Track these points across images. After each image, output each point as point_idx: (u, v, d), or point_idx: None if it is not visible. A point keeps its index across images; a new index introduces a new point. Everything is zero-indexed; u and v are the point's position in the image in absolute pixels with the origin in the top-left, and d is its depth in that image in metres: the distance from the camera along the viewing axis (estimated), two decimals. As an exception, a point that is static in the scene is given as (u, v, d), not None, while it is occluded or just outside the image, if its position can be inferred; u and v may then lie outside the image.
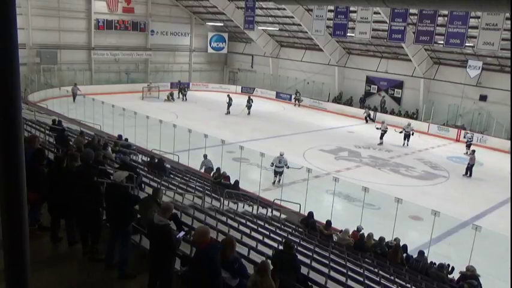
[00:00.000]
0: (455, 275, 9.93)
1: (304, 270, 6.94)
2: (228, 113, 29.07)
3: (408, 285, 8.60)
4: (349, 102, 33.56)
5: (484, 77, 26.59)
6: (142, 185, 10.09)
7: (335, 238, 11.55)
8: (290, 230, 11.17)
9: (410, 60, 28.61)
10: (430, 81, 29.53)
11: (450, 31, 19.62)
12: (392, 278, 8.79)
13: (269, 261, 5.52)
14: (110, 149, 12.72)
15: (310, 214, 12.10)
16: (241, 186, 14.29)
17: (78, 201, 6.07)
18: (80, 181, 6.10)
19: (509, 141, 24.57)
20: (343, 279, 7.44)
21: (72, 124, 18.21)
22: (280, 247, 8.23)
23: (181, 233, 5.55)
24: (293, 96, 35.28)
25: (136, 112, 19.54)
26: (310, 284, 6.56)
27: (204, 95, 36.31)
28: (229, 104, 29.19)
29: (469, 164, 19.98)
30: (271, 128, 25.44)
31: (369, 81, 33.14)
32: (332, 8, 23.87)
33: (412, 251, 11.10)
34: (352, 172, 18.90)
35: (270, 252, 7.83)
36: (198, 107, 31.46)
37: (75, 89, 28.72)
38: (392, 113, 31.15)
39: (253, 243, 8.07)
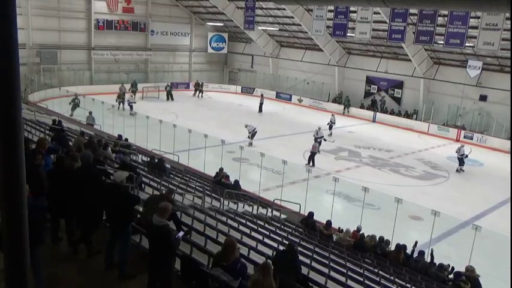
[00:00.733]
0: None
1: (304, 270, 6.94)
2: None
3: (408, 285, 8.60)
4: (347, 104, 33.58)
5: (484, 77, 26.59)
6: (142, 185, 10.09)
7: (335, 238, 11.55)
8: (290, 230, 11.17)
9: (410, 60, 28.61)
10: (430, 81, 29.53)
11: (450, 31, 19.62)
12: (392, 278, 8.79)
13: (270, 262, 5.52)
14: (109, 149, 12.71)
15: (310, 214, 12.09)
16: (241, 186, 14.29)
17: (79, 201, 6.07)
18: (80, 181, 6.10)
19: (509, 141, 24.57)
20: (343, 279, 7.44)
21: (72, 124, 18.22)
22: (281, 247, 8.24)
23: (181, 233, 5.55)
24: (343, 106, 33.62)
25: (136, 112, 19.55)
26: (310, 284, 6.56)
27: (203, 95, 36.28)
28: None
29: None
30: (271, 128, 25.44)
31: (369, 81, 33.14)
32: (332, 8, 23.87)
33: (412, 250, 11.09)
34: (352, 172, 18.90)
35: (270, 252, 7.83)
36: (198, 107, 31.47)
37: (123, 88, 28.69)
38: (392, 113, 31.17)
39: (253, 243, 8.07)
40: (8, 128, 1.87)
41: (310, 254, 8.60)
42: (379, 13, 23.96)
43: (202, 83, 36.15)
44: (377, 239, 11.18)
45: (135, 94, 30.85)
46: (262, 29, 36.50)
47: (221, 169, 14.87)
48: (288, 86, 37.49)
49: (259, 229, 9.84)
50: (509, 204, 11.81)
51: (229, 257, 4.81)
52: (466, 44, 20.46)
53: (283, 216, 13.10)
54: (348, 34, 24.34)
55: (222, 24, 39.28)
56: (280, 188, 14.68)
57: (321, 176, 17.16)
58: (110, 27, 34.20)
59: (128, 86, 30.37)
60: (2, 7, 1.77)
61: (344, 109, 32.91)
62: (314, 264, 7.84)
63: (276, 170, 17.02)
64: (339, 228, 12.05)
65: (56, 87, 29.07)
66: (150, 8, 36.35)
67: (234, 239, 5.77)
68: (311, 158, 19.35)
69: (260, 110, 31.12)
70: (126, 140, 15.70)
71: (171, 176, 13.47)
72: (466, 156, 20.34)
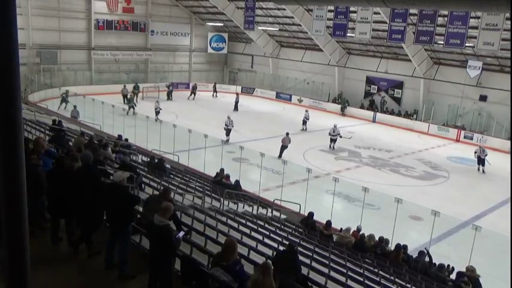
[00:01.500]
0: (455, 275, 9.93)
1: (304, 270, 6.94)
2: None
3: (408, 286, 8.60)
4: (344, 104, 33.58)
5: (484, 77, 26.59)
6: (142, 185, 10.09)
7: (335, 238, 11.54)
8: (290, 230, 11.17)
9: (410, 60, 28.62)
10: (430, 82, 29.53)
11: (450, 31, 19.62)
12: (392, 278, 8.79)
13: (270, 262, 5.52)
14: (109, 149, 12.71)
15: (310, 214, 12.09)
16: (241, 186, 14.28)
17: (79, 202, 6.07)
18: (80, 181, 6.10)
19: (509, 142, 24.57)
20: (343, 279, 7.44)
21: (72, 124, 18.21)
22: (281, 247, 8.24)
23: (181, 233, 5.55)
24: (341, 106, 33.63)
25: (137, 112, 19.56)
26: (310, 284, 6.56)
27: (204, 95, 36.30)
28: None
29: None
30: (271, 128, 25.44)
31: (369, 81, 33.14)
32: (332, 8, 23.87)
33: (412, 251, 11.09)
34: (352, 172, 18.90)
35: (270, 252, 7.83)
36: (198, 107, 31.47)
37: (125, 91, 28.73)
38: (392, 113, 31.18)
39: (253, 244, 8.07)
40: (8, 128, 1.87)
41: (310, 254, 8.59)
42: (379, 13, 23.97)
43: (195, 85, 35.91)
44: (376, 238, 11.18)
45: (137, 96, 30.81)
46: (262, 29, 36.51)
47: (222, 170, 14.85)
48: (288, 86, 37.50)
49: (259, 229, 9.83)
50: (509, 204, 11.81)
51: (229, 257, 4.80)
52: (466, 44, 20.47)
53: (283, 216, 13.10)
54: (348, 34, 24.34)
55: (222, 25, 39.29)
56: (280, 188, 14.67)
57: (321, 176, 17.15)
58: (110, 27, 34.21)
59: (129, 88, 30.31)
60: (2, 7, 1.77)
61: (342, 110, 32.93)
62: (314, 264, 7.84)
63: (276, 170, 17.03)
64: (341, 229, 12.05)
65: (56, 87, 29.09)
66: (150, 8, 36.36)
67: (234, 239, 5.78)
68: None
69: (236, 108, 30.93)
70: (126, 140, 15.69)
71: (171, 176, 13.47)
72: (486, 155, 20.80)
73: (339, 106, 33.32)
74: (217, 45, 40.97)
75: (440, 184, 18.76)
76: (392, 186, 17.01)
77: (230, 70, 42.75)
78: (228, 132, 22.23)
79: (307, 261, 7.82)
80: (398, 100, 31.75)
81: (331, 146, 22.67)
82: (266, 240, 8.80)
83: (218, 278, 4.74)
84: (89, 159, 6.62)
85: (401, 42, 23.06)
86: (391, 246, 10.94)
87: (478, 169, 20.85)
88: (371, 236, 11.17)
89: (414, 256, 10.61)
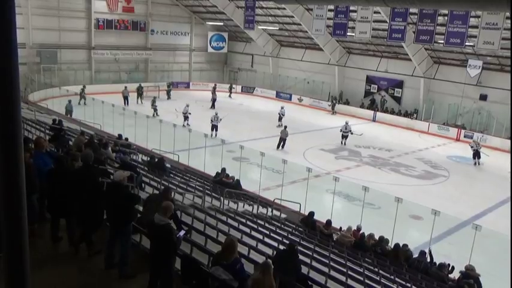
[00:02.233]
0: (456, 275, 9.93)
1: (304, 269, 6.95)
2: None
3: (408, 285, 8.60)
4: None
5: (484, 76, 26.58)
6: (143, 185, 10.09)
7: (335, 237, 11.55)
8: (290, 230, 11.17)
9: (410, 59, 28.60)
10: (430, 81, 29.52)
11: (450, 30, 19.61)
12: (392, 277, 8.79)
13: (270, 261, 5.52)
14: (110, 148, 12.71)
15: (311, 214, 12.08)
16: (241, 185, 14.28)
17: (79, 201, 6.07)
18: (81, 181, 6.10)
19: (509, 141, 24.56)
20: (343, 278, 7.44)
21: (72, 124, 18.21)
22: (281, 246, 8.24)
23: (182, 232, 5.55)
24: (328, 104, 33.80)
25: (137, 112, 19.56)
26: (310, 283, 6.56)
27: (204, 95, 36.25)
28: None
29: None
30: (271, 128, 25.44)
31: (369, 80, 33.13)
32: (332, 7, 23.86)
33: (412, 250, 11.09)
34: (353, 171, 18.89)
35: (270, 251, 7.83)
36: (199, 107, 31.43)
37: (126, 92, 28.77)
38: (392, 112, 31.17)
39: (253, 243, 8.07)
40: (8, 127, 1.87)
41: (311, 254, 8.60)
42: (379, 12, 23.95)
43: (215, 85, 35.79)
44: (376, 237, 11.18)
45: (141, 97, 30.70)
46: (262, 29, 36.49)
47: (223, 169, 14.85)
48: (288, 85, 37.49)
49: (260, 228, 9.84)
50: (510, 203, 11.81)
51: (229, 256, 4.81)
52: (466, 44, 20.47)
53: (283, 215, 13.10)
54: (348, 33, 24.34)
55: (222, 24, 39.28)
56: (280, 187, 14.67)
57: (321, 176, 17.15)
58: (110, 27, 34.21)
59: (130, 88, 30.21)
60: (0, 7, 1.76)
61: (332, 108, 32.84)
62: (314, 263, 7.84)
63: (276, 169, 17.01)
64: (340, 228, 12.05)
65: (56, 86, 29.08)
66: (150, 8, 36.35)
67: (234, 238, 5.78)
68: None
69: (213, 106, 30.80)
70: (126, 139, 15.70)
71: (171, 175, 13.47)
72: (481, 147, 21.46)
73: (343, 106, 33.22)
74: (217, 44, 40.95)
75: (441, 183, 18.75)
76: (393, 185, 17.00)
77: (230, 69, 42.73)
78: (213, 127, 22.51)
79: (308, 260, 7.83)
80: (398, 99, 31.74)
81: (343, 142, 23.34)
82: (266, 240, 8.80)
83: (218, 277, 4.74)
84: (89, 158, 6.62)
85: (401, 41, 23.06)
86: (391, 245, 10.95)
87: (475, 163, 21.28)
88: (371, 235, 11.18)
89: (414, 255, 10.62)
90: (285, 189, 14.37)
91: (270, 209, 13.11)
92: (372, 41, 29.81)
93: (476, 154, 21.36)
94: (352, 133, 23.29)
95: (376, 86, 32.84)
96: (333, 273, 7.55)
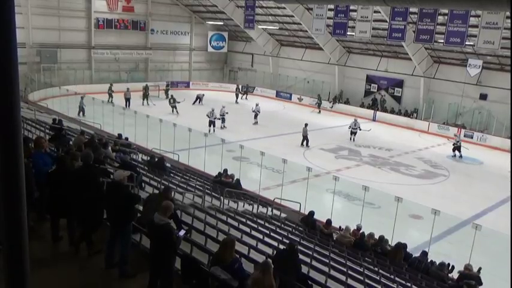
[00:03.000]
0: (456, 274, 9.93)
1: (304, 269, 6.95)
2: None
3: (408, 284, 8.60)
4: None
5: (484, 75, 26.58)
6: (143, 184, 10.09)
7: (335, 237, 11.55)
8: (290, 229, 11.17)
9: (410, 59, 28.60)
10: (430, 80, 29.52)
11: (450, 30, 19.60)
12: (392, 277, 8.79)
13: (270, 260, 5.53)
14: (110, 148, 12.71)
15: (311, 213, 12.08)
16: (241, 185, 14.28)
17: (79, 201, 6.07)
18: (81, 180, 6.10)
19: (509, 140, 24.56)
20: (343, 277, 7.44)
21: (72, 123, 18.21)
22: (281, 246, 8.24)
23: (182, 232, 5.55)
24: (316, 102, 33.51)
25: (137, 111, 19.55)
26: (310, 282, 6.56)
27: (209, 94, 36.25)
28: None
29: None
30: (271, 127, 25.42)
31: (369, 80, 33.13)
32: (332, 7, 23.84)
33: (412, 250, 11.09)
34: (353, 171, 18.89)
35: (270, 251, 7.83)
36: (199, 107, 31.43)
37: (128, 94, 28.54)
38: (392, 111, 31.16)
39: (253, 242, 8.08)
40: (7, 127, 1.87)
41: (311, 253, 8.60)
42: (379, 12, 23.95)
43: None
44: (376, 236, 11.18)
45: (147, 98, 30.55)
46: (262, 28, 36.48)
47: (225, 170, 14.82)
48: (288, 84, 37.47)
49: (260, 228, 9.84)
50: (510, 203, 11.81)
51: (228, 256, 4.81)
52: (466, 43, 20.47)
53: (283, 215, 13.10)
54: (348, 33, 24.31)
55: (222, 23, 39.26)
56: (280, 186, 14.67)
57: (321, 175, 17.16)
58: (110, 26, 34.20)
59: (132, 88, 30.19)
60: (0, 7, 1.76)
61: (318, 106, 32.86)
62: (314, 263, 7.85)
63: (276, 168, 17.01)
64: (340, 227, 12.05)
65: (56, 86, 29.07)
66: (150, 7, 36.34)
67: (234, 237, 5.79)
68: (305, 140, 22.12)
69: (196, 101, 31.51)
70: (126, 139, 15.70)
71: (171, 175, 13.47)
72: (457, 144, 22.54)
73: (343, 106, 33.25)
74: (217, 44, 40.94)
75: (441, 183, 18.76)
76: (393, 184, 17.00)
77: (230, 69, 42.72)
78: (210, 123, 23.06)
79: (308, 260, 7.83)
80: (398, 99, 31.74)
81: (352, 138, 24.25)
82: (266, 239, 8.80)
83: (218, 276, 4.74)
84: (89, 158, 6.62)
85: (401, 41, 23.06)
86: (392, 244, 10.95)
87: (455, 155, 22.44)
88: (371, 235, 11.17)
89: (415, 255, 10.61)
90: (285, 189, 14.38)
91: (270, 209, 13.11)
92: (372, 41, 29.79)
93: (457, 148, 22.49)
94: (360, 129, 24.09)
95: (376, 86, 32.84)
96: (333, 272, 7.55)
